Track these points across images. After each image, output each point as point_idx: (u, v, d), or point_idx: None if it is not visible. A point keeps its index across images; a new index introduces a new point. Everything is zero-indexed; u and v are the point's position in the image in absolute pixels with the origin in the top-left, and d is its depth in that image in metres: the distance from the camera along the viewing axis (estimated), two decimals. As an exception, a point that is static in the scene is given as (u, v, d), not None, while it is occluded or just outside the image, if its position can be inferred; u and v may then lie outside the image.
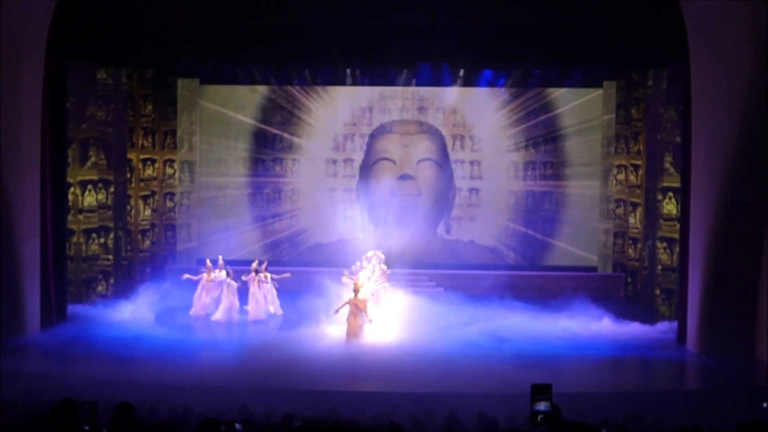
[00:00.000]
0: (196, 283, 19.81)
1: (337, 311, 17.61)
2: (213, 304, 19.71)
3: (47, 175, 18.13)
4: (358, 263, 19.37)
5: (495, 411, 10.06)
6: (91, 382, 13.19)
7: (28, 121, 17.41)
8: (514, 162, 23.31)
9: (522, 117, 23.16)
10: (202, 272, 19.84)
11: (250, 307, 19.57)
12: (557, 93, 23.04)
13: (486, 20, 19.05)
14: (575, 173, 23.18)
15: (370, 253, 19.69)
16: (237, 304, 19.54)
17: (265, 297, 19.63)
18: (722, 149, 16.23)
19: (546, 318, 18.97)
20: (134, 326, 18.08)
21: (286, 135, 23.51)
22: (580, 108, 23.05)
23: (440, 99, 23.31)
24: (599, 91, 22.95)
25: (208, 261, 20.04)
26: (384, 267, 19.66)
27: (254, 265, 19.85)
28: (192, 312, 19.66)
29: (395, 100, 23.45)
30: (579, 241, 23.26)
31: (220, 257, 20.16)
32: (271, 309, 19.72)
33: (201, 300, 19.70)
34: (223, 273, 19.69)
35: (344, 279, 18.44)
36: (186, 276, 20.01)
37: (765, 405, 12.22)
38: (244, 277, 19.66)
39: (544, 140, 23.18)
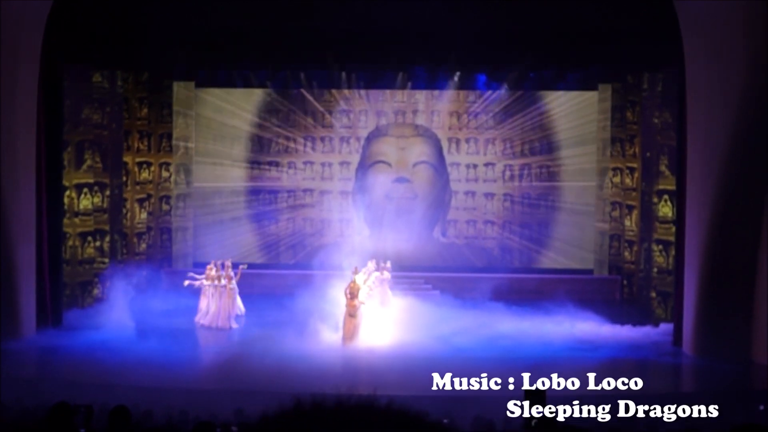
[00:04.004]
0: (195, 286, 19.71)
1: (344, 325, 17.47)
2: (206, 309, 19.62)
3: (43, 178, 18.08)
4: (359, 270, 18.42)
5: (491, 414, 10.05)
6: (86, 386, 13.17)
7: (24, 124, 17.38)
8: (510, 165, 23.33)
9: (517, 120, 23.18)
10: (202, 277, 19.69)
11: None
12: (552, 96, 23.08)
13: (482, 23, 19.05)
14: (570, 176, 23.21)
15: (371, 266, 19.29)
16: (214, 308, 19.21)
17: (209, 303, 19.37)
18: (718, 151, 16.23)
19: (541, 321, 18.95)
20: (130, 330, 18.01)
21: (281, 138, 23.51)
22: (575, 111, 23.07)
23: (436, 102, 23.32)
24: (594, 94, 22.97)
25: (207, 266, 19.89)
26: (386, 274, 19.43)
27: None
28: (196, 318, 19.53)
29: (391, 103, 23.46)
30: (575, 244, 23.28)
31: (213, 262, 19.95)
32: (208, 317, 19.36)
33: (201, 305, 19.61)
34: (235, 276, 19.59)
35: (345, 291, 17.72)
36: (187, 282, 19.86)
37: (761, 408, 12.23)
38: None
39: (539, 143, 23.21)
